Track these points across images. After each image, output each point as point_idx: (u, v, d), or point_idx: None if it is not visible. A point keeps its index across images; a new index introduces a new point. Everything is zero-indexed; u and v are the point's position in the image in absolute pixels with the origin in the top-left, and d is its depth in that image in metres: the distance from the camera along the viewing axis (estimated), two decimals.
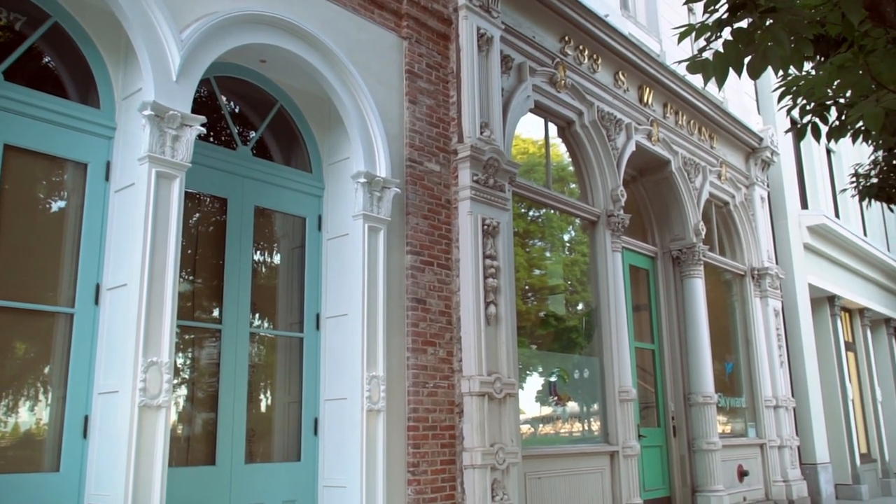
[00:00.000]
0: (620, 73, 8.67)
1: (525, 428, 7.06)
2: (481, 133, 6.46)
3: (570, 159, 8.31)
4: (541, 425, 7.47)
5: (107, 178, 4.60)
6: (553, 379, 7.59)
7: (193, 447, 5.04)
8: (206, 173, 5.16)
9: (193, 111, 4.60)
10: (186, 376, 5.14)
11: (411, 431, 5.67)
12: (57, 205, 4.59)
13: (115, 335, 4.29)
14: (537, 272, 8.06)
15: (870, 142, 6.75)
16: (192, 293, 5.25)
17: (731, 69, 3.86)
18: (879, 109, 3.89)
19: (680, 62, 4.39)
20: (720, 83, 3.94)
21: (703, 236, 9.62)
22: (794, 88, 4.94)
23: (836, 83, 4.47)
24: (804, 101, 5.30)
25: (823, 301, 13.30)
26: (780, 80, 5.04)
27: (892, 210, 12.56)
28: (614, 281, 7.99)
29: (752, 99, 12.30)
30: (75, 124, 4.52)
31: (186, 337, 5.15)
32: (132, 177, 4.42)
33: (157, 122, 4.37)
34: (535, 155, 7.92)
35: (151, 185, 4.32)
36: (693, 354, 9.30)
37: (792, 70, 4.56)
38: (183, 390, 5.09)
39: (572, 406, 7.74)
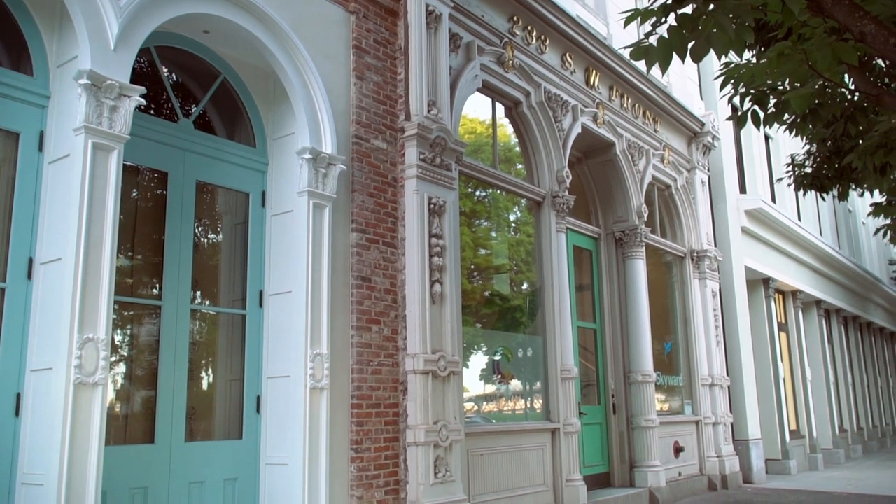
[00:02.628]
0: (568, 55, 8.73)
1: (469, 405, 7.13)
2: (428, 111, 6.44)
3: (516, 140, 8.35)
4: (484, 403, 7.55)
5: (40, 148, 4.45)
6: (497, 357, 7.67)
7: (132, 425, 4.95)
8: (146, 146, 5.02)
9: (133, 81, 4.46)
10: (125, 354, 5.03)
11: (355, 409, 5.67)
12: None
13: (49, 311, 4.17)
14: (483, 252, 8.11)
15: (802, 137, 6.97)
16: (132, 269, 5.13)
17: (674, 54, 3.92)
18: (807, 91, 3.99)
19: (625, 48, 4.43)
20: (664, 68, 4.00)
21: (646, 218, 9.80)
22: (736, 76, 5.06)
23: (775, 71, 4.58)
24: (745, 89, 5.44)
25: (759, 283, 13.72)
26: (722, 66, 5.15)
27: (823, 199, 13.02)
28: (558, 261, 8.09)
29: (695, 84, 12.53)
30: (6, 92, 4.34)
31: (125, 313, 5.04)
32: (67, 148, 4.28)
33: (94, 91, 4.23)
34: (483, 135, 7.94)
35: (88, 156, 4.19)
36: (633, 334, 9.51)
37: (734, 57, 4.67)
38: (121, 368, 4.99)
39: (515, 384, 7.84)
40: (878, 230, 7.67)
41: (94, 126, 4.23)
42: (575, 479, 7.59)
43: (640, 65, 10.12)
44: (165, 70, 5.41)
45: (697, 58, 3.88)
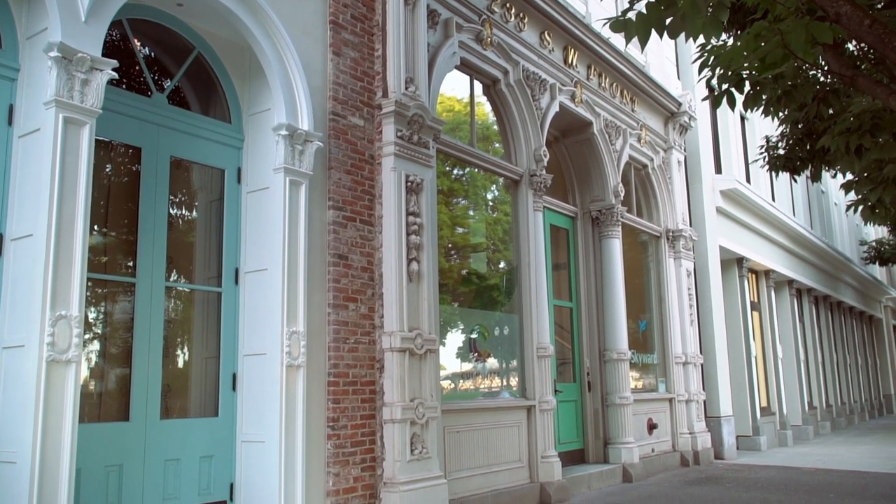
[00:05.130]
0: (546, 33, 8.70)
1: (445, 383, 7.16)
2: (406, 88, 6.39)
3: (494, 118, 8.33)
4: (461, 381, 7.59)
5: (9, 122, 4.36)
6: (474, 335, 7.71)
7: (107, 403, 4.92)
8: (119, 121, 4.95)
9: (104, 55, 4.38)
10: (99, 331, 4.99)
11: (332, 387, 5.68)
12: None
13: (20, 287, 4.12)
14: (460, 230, 8.11)
15: (774, 118, 7.02)
16: (105, 246, 5.07)
17: (653, 30, 3.92)
18: (776, 53, 4.01)
19: (604, 23, 4.42)
20: (643, 43, 4.01)
21: (622, 198, 9.86)
22: (713, 59, 5.08)
23: (751, 53, 4.61)
24: (722, 71, 5.47)
25: (732, 262, 13.88)
26: (698, 48, 5.16)
27: (795, 180, 13.19)
28: (535, 240, 8.12)
29: (672, 64, 12.56)
30: None
31: (99, 291, 4.98)
32: (37, 122, 4.21)
33: (65, 64, 4.15)
34: (461, 113, 7.91)
35: (59, 130, 4.12)
36: (609, 312, 9.59)
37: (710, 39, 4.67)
38: (95, 345, 4.95)
39: (492, 362, 7.89)
40: (849, 206, 7.76)
41: (65, 100, 4.15)
42: (550, 456, 7.68)
43: (619, 44, 10.12)
44: (138, 43, 5.32)
45: (673, 34, 3.89)
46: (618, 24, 3.94)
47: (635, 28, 3.87)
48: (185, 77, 5.59)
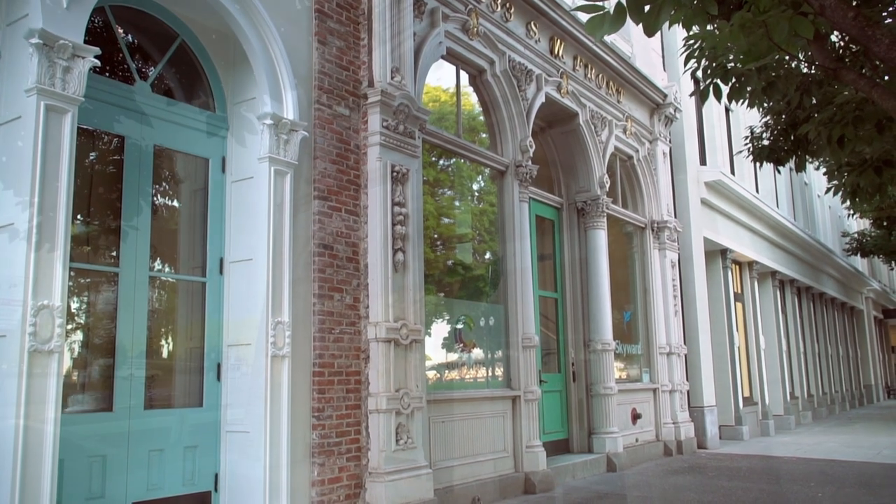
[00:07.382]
0: (532, 24, 8.69)
1: (431, 374, 7.17)
2: (392, 78, 6.37)
3: (480, 108, 8.32)
4: (446, 371, 7.61)
5: None
6: (459, 326, 7.72)
7: (90, 393, 4.89)
8: (102, 109, 4.90)
9: (87, 42, 4.34)
10: (82, 321, 4.95)
11: (317, 377, 5.67)
12: None
13: (1, 277, 4.07)
14: (446, 221, 8.11)
15: (758, 108, 7.07)
16: (88, 235, 5.03)
17: (627, 21, 3.92)
18: (759, 46, 4.03)
19: (577, 8, 4.36)
20: (606, 34, 3.99)
21: (608, 189, 9.88)
22: (697, 52, 5.09)
23: (736, 45, 4.62)
24: (707, 63, 5.49)
25: (716, 254, 13.97)
26: (684, 40, 5.17)
27: (779, 171, 13.28)
28: (521, 231, 8.13)
29: (658, 55, 12.58)
30: None
31: (82, 280, 4.94)
32: (18, 109, 4.16)
33: (46, 51, 4.10)
34: (447, 103, 7.89)
35: (40, 118, 4.08)
36: (594, 303, 9.63)
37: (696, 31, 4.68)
38: (78, 335, 4.91)
39: (477, 352, 7.91)
40: (828, 190, 7.82)
41: (47, 87, 4.11)
42: (535, 446, 7.72)
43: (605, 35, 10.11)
44: (121, 31, 5.26)
45: (654, 28, 3.89)
46: (594, 20, 3.89)
47: (609, 21, 3.85)
48: (169, 65, 5.54)
